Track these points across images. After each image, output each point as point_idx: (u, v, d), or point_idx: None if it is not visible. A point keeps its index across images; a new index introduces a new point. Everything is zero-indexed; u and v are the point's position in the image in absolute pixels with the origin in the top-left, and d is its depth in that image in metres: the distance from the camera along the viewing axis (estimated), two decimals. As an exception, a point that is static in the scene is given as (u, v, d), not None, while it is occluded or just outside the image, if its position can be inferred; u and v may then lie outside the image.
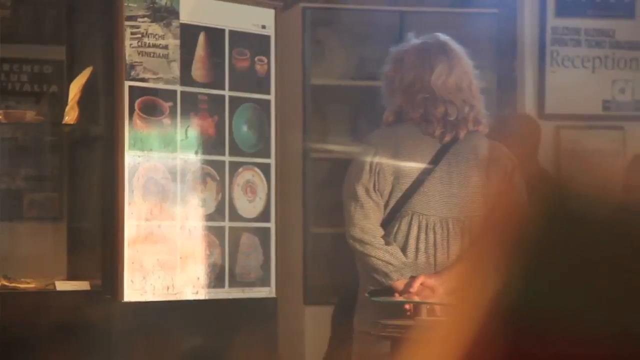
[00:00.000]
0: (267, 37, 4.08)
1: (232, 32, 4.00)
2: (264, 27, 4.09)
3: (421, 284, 3.07)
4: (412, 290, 3.08)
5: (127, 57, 3.73)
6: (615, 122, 4.95)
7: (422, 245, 3.14)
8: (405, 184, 3.16)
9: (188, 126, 3.85)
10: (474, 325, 0.83)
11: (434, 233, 3.15)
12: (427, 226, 3.15)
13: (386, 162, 3.18)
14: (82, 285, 3.76)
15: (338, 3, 5.04)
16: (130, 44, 3.75)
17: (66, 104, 3.88)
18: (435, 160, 3.21)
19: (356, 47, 4.98)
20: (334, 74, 4.95)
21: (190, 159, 3.84)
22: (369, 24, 4.92)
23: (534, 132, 4.47)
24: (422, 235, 3.15)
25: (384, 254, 3.11)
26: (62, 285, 3.75)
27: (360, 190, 3.16)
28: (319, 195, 4.76)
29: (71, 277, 3.93)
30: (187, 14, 3.89)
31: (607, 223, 0.67)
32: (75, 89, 3.85)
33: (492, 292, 0.84)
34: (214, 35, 3.96)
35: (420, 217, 3.15)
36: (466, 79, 3.26)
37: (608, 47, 4.98)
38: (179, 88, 3.83)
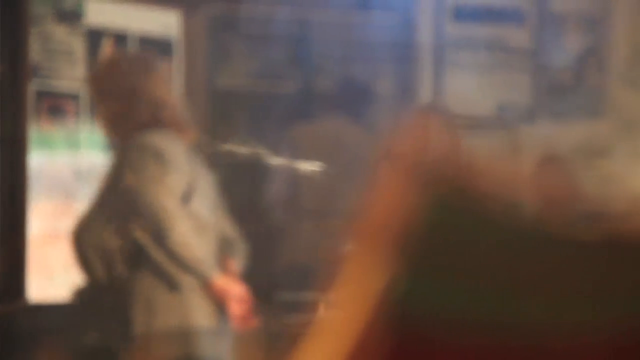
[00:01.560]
0: (171, 41, 4.07)
1: (136, 36, 3.98)
2: (168, 31, 4.08)
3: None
4: (234, 279, 3.07)
5: (32, 59, 3.70)
6: (509, 125, 5.04)
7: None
8: (185, 187, 3.08)
9: (93, 127, 3.83)
10: (362, 322, 0.83)
11: (209, 235, 3.11)
12: (203, 228, 3.10)
13: (174, 166, 3.09)
14: (-14, 286, 3.71)
15: (242, 8, 5.05)
16: (36, 46, 3.71)
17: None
18: (192, 164, 3.16)
19: (259, 51, 5.00)
20: (237, 77, 4.95)
21: (95, 159, 3.82)
22: (272, 28, 4.94)
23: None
24: (202, 237, 3.10)
25: (201, 250, 3.06)
26: (-35, 286, 3.70)
27: (175, 191, 3.04)
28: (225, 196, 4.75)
29: (-25, 277, 3.88)
30: (92, 17, 3.87)
31: (496, 223, 0.66)
32: (-21, 90, 3.80)
33: (379, 290, 0.84)
34: (119, 38, 3.94)
35: (199, 219, 3.09)
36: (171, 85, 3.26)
37: (502, 52, 5.08)
38: (83, 89, 3.81)
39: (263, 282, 3.83)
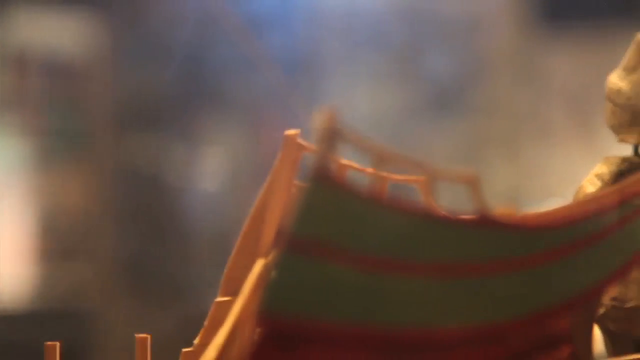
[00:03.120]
0: (74, 53, 4.05)
1: (40, 47, 3.96)
2: (69, 42, 4.06)
3: None
4: None
5: None
6: (392, 131, 5.13)
7: None
8: None
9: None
10: (239, 313, 0.83)
11: None
12: None
13: None
14: None
15: (144, 22, 5.04)
16: None
17: None
18: None
19: (160, 64, 4.99)
20: (140, 90, 4.94)
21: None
22: (172, 42, 4.95)
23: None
24: None
25: None
26: None
27: None
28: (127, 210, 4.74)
29: None
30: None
31: (369, 210, 0.64)
32: None
33: (255, 281, 0.84)
34: (23, 50, 3.90)
35: None
36: None
37: (385, 62, 5.16)
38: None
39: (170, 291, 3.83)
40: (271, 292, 0.61)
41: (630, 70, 1.03)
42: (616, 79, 1.03)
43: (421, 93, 5.32)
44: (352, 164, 0.78)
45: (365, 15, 5.14)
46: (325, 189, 0.62)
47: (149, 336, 0.93)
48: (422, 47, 5.38)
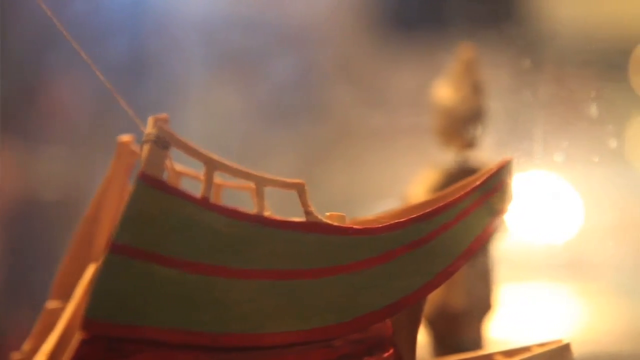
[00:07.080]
0: None
1: None
2: None
3: None
4: None
5: None
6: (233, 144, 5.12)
7: None
8: None
9: None
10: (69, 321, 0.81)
11: None
12: None
13: None
14: None
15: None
16: None
17: None
18: None
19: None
20: None
21: None
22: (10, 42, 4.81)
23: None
24: None
25: None
26: None
27: None
28: None
29: None
30: None
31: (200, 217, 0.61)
32: None
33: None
34: None
35: None
36: None
37: (232, 70, 5.16)
38: None
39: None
40: (95, 295, 0.59)
41: (453, 79, 1.04)
42: (441, 88, 1.04)
43: (257, 100, 5.31)
44: (184, 170, 0.77)
45: (200, 21, 5.11)
46: (151, 193, 0.61)
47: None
48: (260, 54, 5.37)
